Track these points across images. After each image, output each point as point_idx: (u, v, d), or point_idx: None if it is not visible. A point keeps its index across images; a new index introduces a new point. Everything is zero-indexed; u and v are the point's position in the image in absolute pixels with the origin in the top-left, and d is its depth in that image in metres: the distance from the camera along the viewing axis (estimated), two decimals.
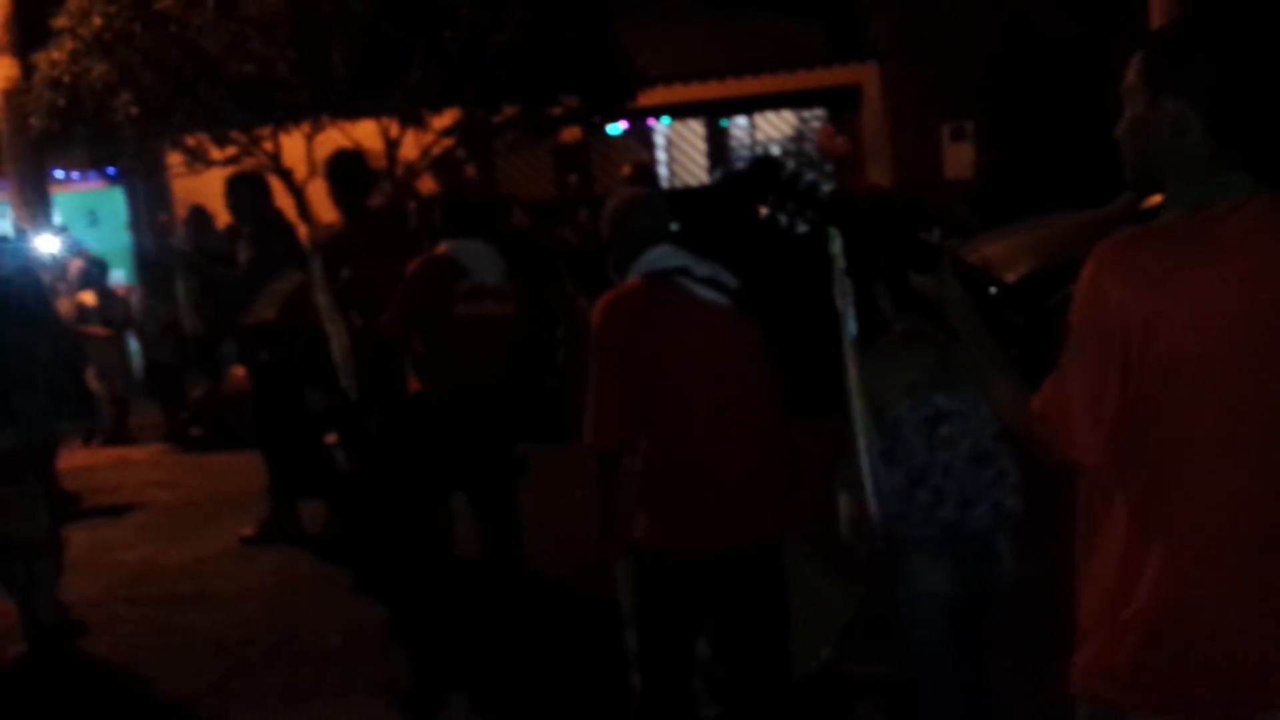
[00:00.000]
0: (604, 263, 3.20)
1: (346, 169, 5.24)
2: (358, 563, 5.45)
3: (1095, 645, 1.76)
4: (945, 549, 2.92)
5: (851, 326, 2.60)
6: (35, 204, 11.22)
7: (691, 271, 2.96)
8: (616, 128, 15.15)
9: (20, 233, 9.93)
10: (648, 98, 11.82)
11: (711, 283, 2.98)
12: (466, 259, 4.42)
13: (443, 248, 4.46)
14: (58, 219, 12.69)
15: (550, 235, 9.05)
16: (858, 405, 2.66)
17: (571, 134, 13.84)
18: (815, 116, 16.20)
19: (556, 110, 10.85)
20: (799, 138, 16.38)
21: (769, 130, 16.37)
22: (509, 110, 10.61)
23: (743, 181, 9.15)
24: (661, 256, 2.99)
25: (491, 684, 4.22)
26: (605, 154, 15.32)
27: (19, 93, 10.20)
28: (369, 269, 4.83)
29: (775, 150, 16.22)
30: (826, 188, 2.72)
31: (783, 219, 2.70)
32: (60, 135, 10.00)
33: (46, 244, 10.95)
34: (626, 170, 8.32)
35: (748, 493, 2.92)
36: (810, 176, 2.78)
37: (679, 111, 15.54)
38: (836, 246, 2.61)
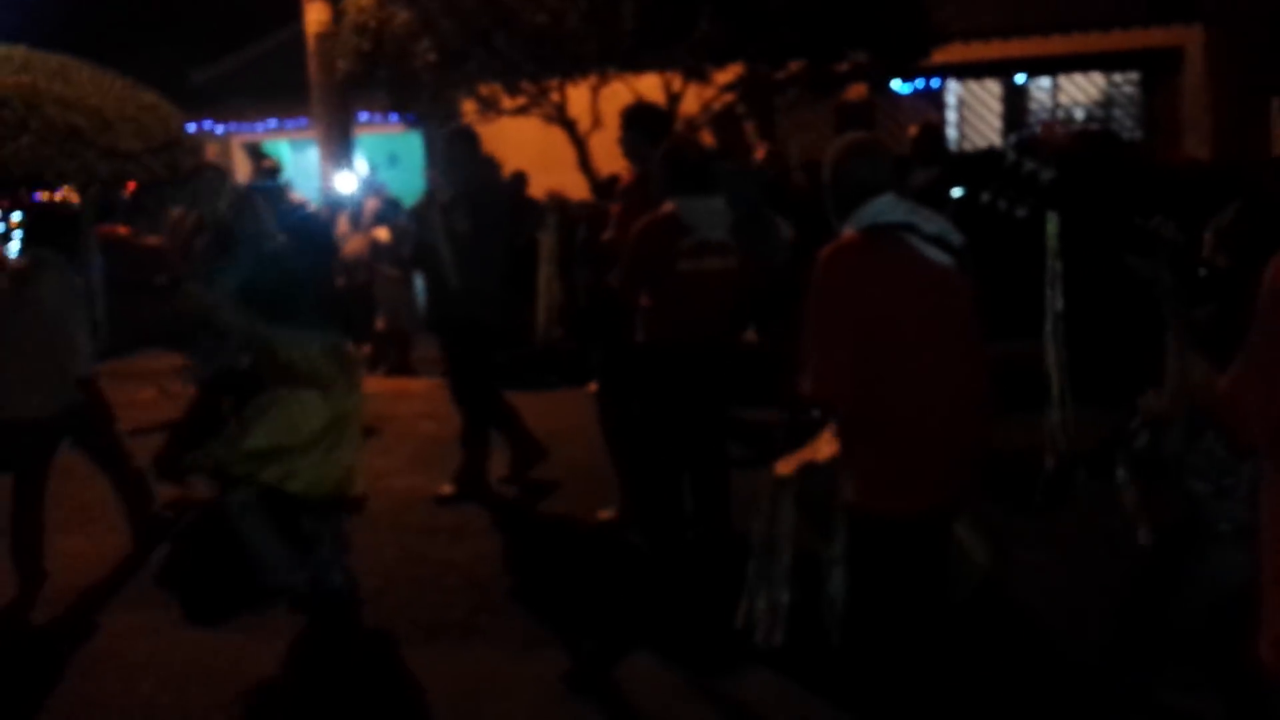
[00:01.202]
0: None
1: (649, 118, 5.21)
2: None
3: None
4: (1243, 540, 2.77)
5: (1058, 303, 2.90)
6: (339, 144, 11.97)
7: (918, 228, 2.91)
8: (905, 86, 14.55)
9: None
10: (941, 56, 11.20)
11: (937, 240, 2.92)
12: (690, 216, 4.38)
13: (668, 206, 4.42)
14: (360, 159, 13.50)
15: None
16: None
17: (857, 92, 13.39)
18: (1128, 80, 14.89)
19: (843, 67, 10.46)
20: (1107, 103, 15.11)
21: (1074, 94, 15.18)
22: (794, 66, 10.32)
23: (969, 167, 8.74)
24: (886, 208, 2.94)
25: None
26: (891, 114, 14.69)
27: (328, 37, 10.83)
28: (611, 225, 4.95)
29: (1079, 115, 15.04)
30: (1047, 175, 2.87)
31: (1001, 204, 2.90)
32: (364, 79, 10.55)
33: (346, 183, 11.67)
34: (913, 131, 7.90)
35: (956, 452, 2.94)
36: (1030, 165, 2.93)
37: (973, 71, 14.67)
38: (1053, 230, 2.80)
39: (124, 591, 5.10)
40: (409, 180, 15.10)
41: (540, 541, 5.57)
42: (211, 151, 14.04)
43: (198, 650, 4.45)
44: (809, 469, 3.71)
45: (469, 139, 6.00)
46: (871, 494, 2.96)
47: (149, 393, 8.18)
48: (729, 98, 10.67)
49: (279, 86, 14.36)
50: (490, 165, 10.05)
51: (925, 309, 2.88)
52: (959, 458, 2.96)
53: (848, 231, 2.98)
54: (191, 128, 13.97)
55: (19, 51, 12.06)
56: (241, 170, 16.26)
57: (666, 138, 5.11)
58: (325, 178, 12.28)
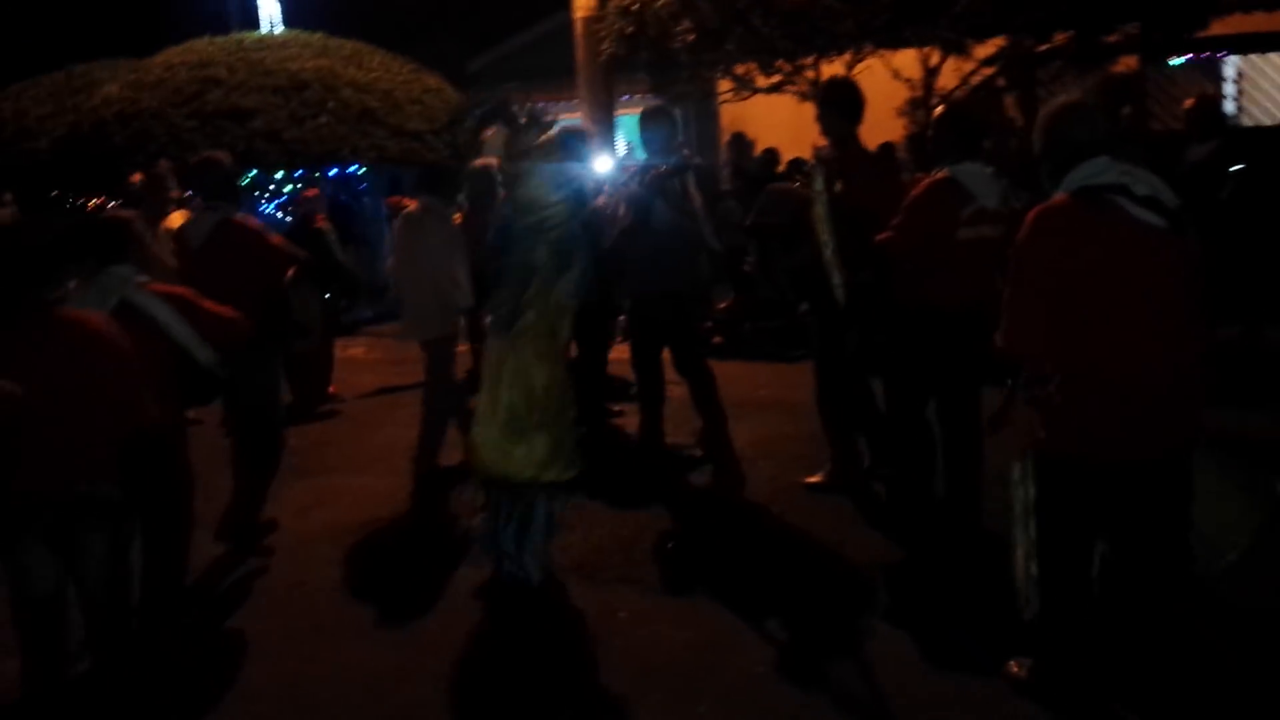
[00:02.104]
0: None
1: (844, 95, 5.28)
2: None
3: None
4: None
5: None
6: (602, 124, 12.50)
7: (1129, 189, 2.92)
8: (1178, 59, 13.69)
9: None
10: (1219, 26, 10.51)
11: (1150, 202, 2.93)
12: (970, 182, 4.41)
13: (945, 171, 4.45)
14: (620, 138, 14.04)
15: None
16: None
17: (1126, 65, 12.72)
18: None
19: (1113, 38, 10.02)
20: None
21: None
22: (1059, 37, 9.98)
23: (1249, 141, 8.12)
24: (1098, 170, 2.96)
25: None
26: (1164, 88, 13.87)
27: (593, 20, 11.34)
28: (860, 189, 4.91)
29: None
30: None
31: None
32: (626, 61, 11.01)
33: (603, 164, 12.17)
34: (1189, 104, 7.58)
35: (1165, 408, 2.97)
36: None
37: (1255, 44, 13.60)
38: None
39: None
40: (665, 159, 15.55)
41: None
42: (487, 133, 14.92)
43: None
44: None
45: (662, 115, 5.93)
46: (1064, 439, 3.04)
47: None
48: (988, 71, 10.44)
49: (546, 71, 15.11)
50: (741, 142, 10.35)
51: (1130, 268, 2.92)
52: (1169, 412, 2.98)
53: (1058, 193, 3.03)
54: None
55: (318, 38, 13.32)
56: None
57: (860, 116, 5.17)
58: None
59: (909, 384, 4.80)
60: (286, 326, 5.20)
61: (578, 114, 12.24)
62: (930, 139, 4.81)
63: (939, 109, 4.99)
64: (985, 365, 4.55)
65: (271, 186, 11.96)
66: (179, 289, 4.26)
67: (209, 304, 4.24)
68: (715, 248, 6.06)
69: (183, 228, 5.48)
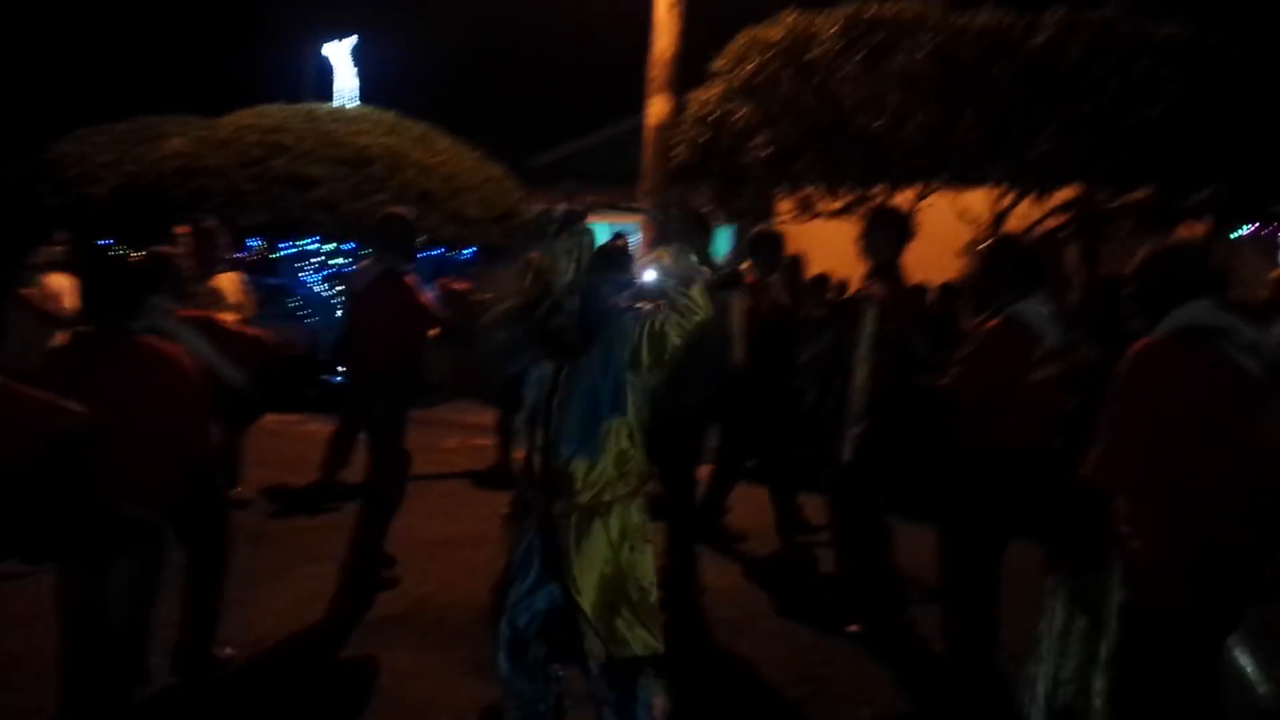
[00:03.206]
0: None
1: (898, 218, 5.19)
2: None
3: None
4: None
5: None
6: (660, 232, 12.42)
7: (1232, 335, 2.91)
8: (1241, 229, 13.54)
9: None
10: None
11: (1253, 349, 2.91)
12: (1037, 322, 4.27)
13: (1008, 313, 4.29)
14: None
15: None
16: None
17: (1193, 229, 12.57)
18: None
19: (1192, 201, 9.86)
20: None
21: None
22: (1136, 195, 9.83)
23: None
24: (1203, 312, 2.95)
25: None
26: (1227, 256, 13.70)
27: (668, 128, 11.33)
28: (898, 320, 4.85)
29: None
30: None
31: None
32: (695, 170, 10.93)
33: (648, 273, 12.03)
34: (1277, 274, 7.35)
35: (1244, 556, 2.91)
36: None
37: None
38: None
39: None
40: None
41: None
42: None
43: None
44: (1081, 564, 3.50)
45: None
46: (1151, 589, 2.95)
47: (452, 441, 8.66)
48: (1056, 221, 10.29)
49: (608, 175, 15.16)
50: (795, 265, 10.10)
51: (1230, 412, 2.88)
52: (1247, 562, 2.93)
53: (1160, 332, 3.00)
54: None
55: (389, 116, 13.39)
56: None
57: (904, 244, 5.03)
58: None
59: (983, 534, 4.46)
60: (418, 377, 5.50)
61: (636, 219, 12.17)
62: (985, 275, 4.61)
63: (991, 242, 4.80)
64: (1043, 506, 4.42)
65: (318, 258, 11.87)
66: (203, 313, 4.39)
67: (238, 328, 4.38)
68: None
69: (352, 273, 6.01)
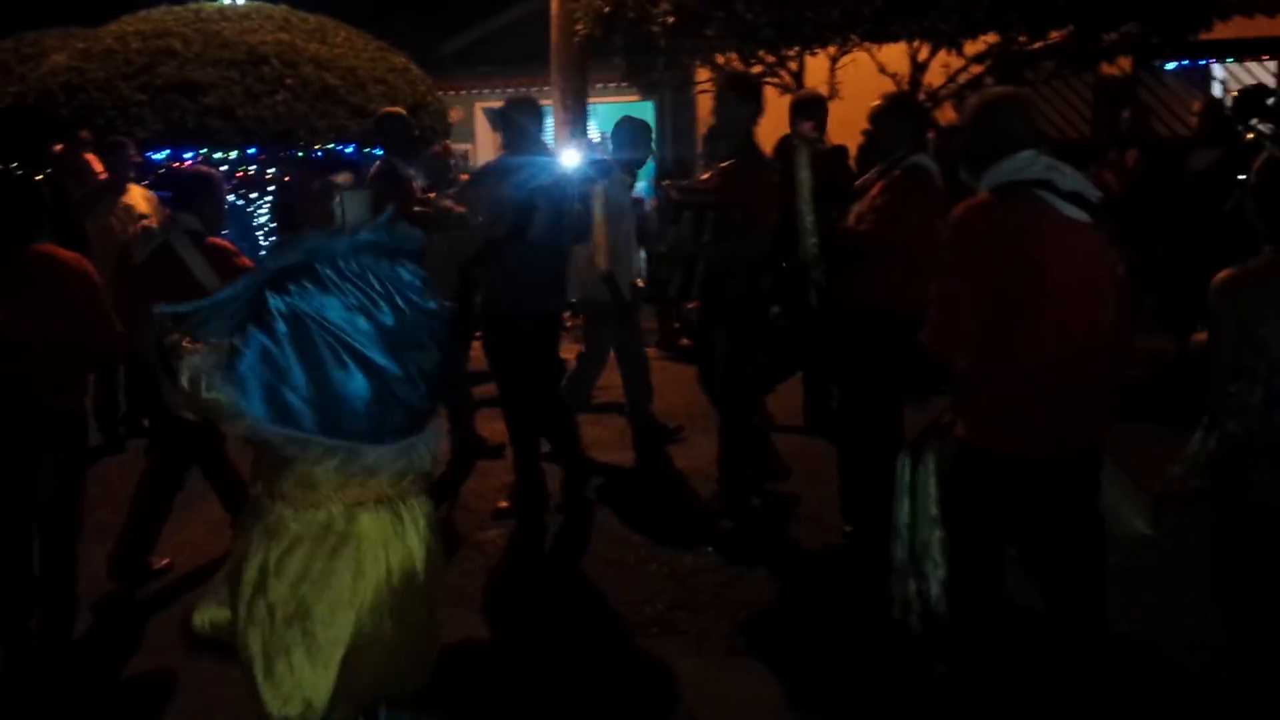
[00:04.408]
0: (1134, 207, 3.21)
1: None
2: None
3: None
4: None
5: None
6: (575, 111, 11.99)
7: (1055, 185, 2.89)
8: (1171, 64, 13.34)
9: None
10: (1211, 32, 10.12)
11: (1075, 197, 2.91)
12: (933, 171, 4.43)
13: (907, 164, 4.37)
14: (593, 128, 13.53)
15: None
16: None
17: (1118, 68, 12.35)
18: None
19: (1110, 38, 9.61)
20: None
21: None
22: (1053, 36, 9.55)
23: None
24: (1024, 165, 2.92)
25: None
26: (1155, 92, 13.52)
27: (571, 0, 10.83)
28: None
29: None
30: None
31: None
32: (601, 45, 10.48)
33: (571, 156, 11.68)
34: (1197, 107, 7.24)
35: (1083, 406, 2.98)
36: None
37: (1247, 49, 13.26)
38: None
39: None
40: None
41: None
42: (455, 115, 14.39)
43: None
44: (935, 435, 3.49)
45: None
46: (984, 433, 3.03)
47: None
48: (978, 69, 10.01)
49: (520, 56, 14.61)
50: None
51: (1052, 264, 2.88)
52: (1087, 410, 3.00)
53: (981, 189, 2.99)
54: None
55: (280, 10, 12.71)
56: (482, 132, 16.68)
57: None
58: (559, 144, 12.35)
59: (882, 391, 4.43)
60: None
61: (548, 101, 11.73)
62: (877, 133, 4.62)
63: (881, 101, 4.66)
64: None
65: (224, 167, 11.34)
66: (221, 242, 4.66)
67: (242, 260, 4.53)
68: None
69: (371, 174, 6.02)
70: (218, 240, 4.69)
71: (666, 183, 5.89)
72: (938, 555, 3.26)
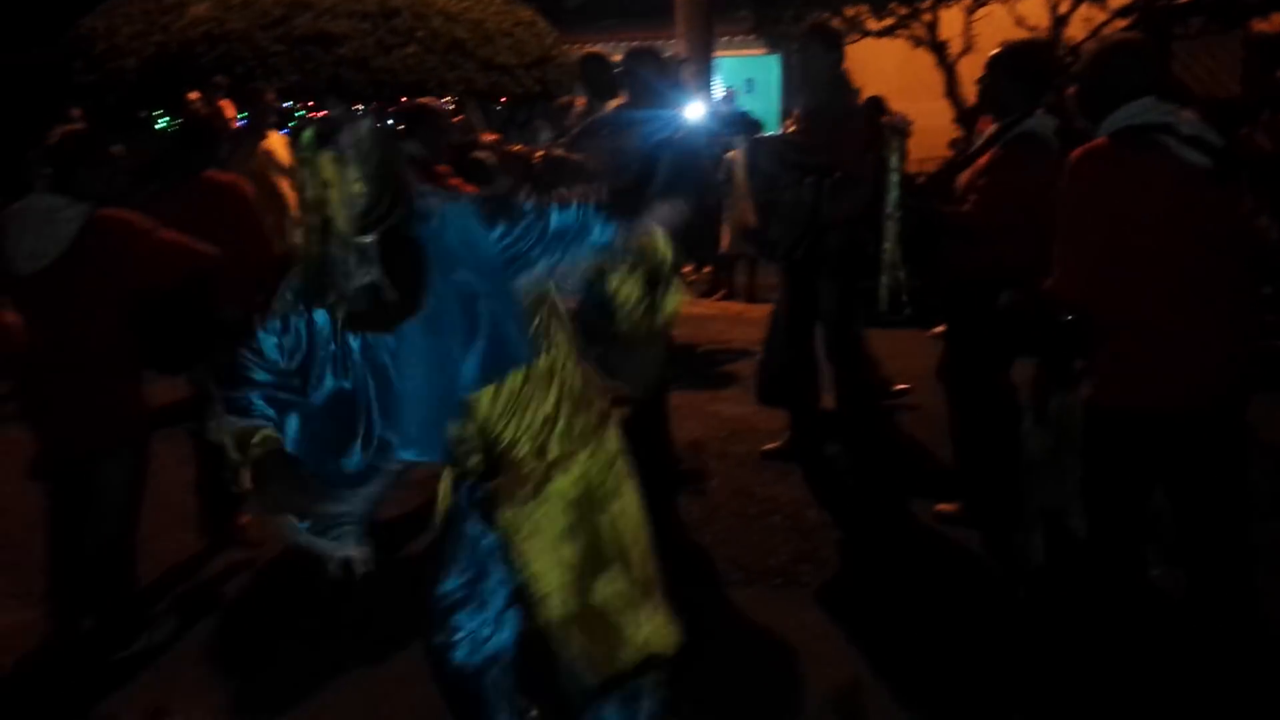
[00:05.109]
0: None
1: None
2: None
3: None
4: None
5: None
6: (700, 66, 11.91)
7: (1174, 129, 2.83)
8: None
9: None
10: None
11: (1195, 141, 2.83)
12: (1046, 136, 4.10)
13: (1017, 132, 4.07)
14: (719, 83, 13.39)
15: (1235, 139, 7.67)
16: None
17: (1270, 24, 11.72)
18: None
19: None
20: None
21: None
22: None
23: None
24: (1142, 110, 2.87)
25: None
26: None
27: None
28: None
29: None
30: None
31: None
32: (729, 1, 10.37)
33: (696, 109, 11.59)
34: None
35: (1210, 359, 2.90)
36: None
37: None
38: None
39: None
40: (765, 105, 14.92)
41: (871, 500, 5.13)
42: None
43: None
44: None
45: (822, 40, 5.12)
46: (1111, 390, 2.99)
47: None
48: (1122, 23, 9.60)
49: (645, 9, 14.53)
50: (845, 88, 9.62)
51: (1172, 210, 2.83)
52: (1211, 364, 2.92)
53: (1100, 134, 2.93)
54: None
55: None
56: None
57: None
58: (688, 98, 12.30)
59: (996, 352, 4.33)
60: None
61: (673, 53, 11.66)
62: (990, 89, 4.26)
63: (999, 49, 4.23)
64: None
65: None
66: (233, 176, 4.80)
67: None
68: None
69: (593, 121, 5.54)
70: (440, 167, 4.94)
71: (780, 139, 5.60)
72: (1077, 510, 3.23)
